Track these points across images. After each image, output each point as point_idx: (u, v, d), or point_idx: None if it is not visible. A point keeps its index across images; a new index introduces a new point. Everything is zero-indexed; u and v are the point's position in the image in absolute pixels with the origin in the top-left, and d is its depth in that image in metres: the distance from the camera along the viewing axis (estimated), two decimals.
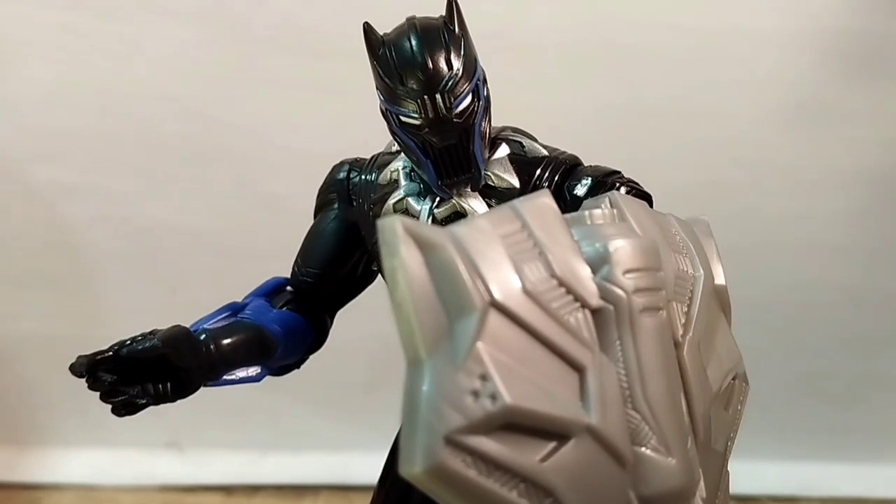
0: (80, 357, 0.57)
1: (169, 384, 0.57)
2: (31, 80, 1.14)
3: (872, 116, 1.10)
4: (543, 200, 0.46)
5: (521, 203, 0.45)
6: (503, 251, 0.43)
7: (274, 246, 1.22)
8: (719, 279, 0.54)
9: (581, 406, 0.43)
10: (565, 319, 0.44)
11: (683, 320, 0.49)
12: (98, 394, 0.58)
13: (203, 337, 0.57)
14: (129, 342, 0.56)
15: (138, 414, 1.31)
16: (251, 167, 1.18)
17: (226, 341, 0.58)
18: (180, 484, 1.20)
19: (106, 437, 1.23)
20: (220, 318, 0.61)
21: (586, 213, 0.48)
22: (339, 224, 0.62)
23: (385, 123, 0.58)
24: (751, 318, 1.21)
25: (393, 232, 0.41)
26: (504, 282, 0.43)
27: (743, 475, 1.23)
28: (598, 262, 0.46)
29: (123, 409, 0.56)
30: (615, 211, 0.49)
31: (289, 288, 0.64)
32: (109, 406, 0.57)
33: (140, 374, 0.57)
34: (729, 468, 0.58)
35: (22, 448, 1.22)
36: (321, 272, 0.63)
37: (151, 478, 1.20)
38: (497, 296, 0.42)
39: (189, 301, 1.24)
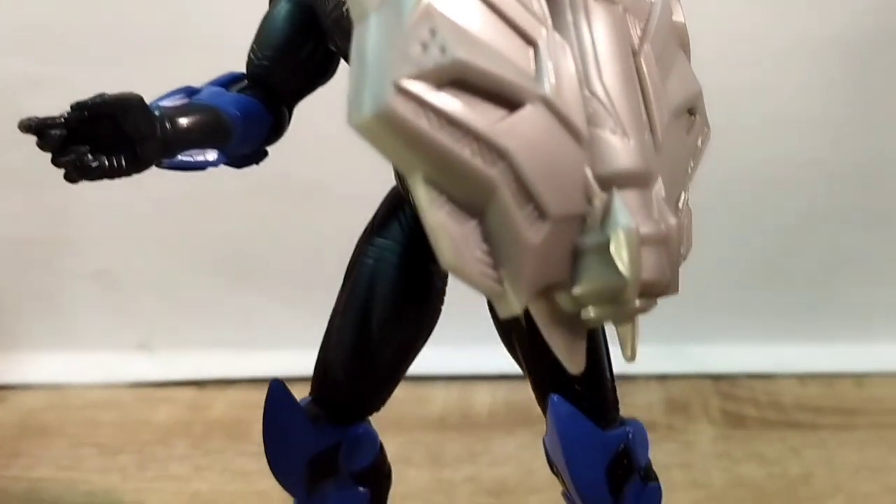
0: (29, 118, 0.55)
1: (123, 158, 0.55)
2: None
3: None
4: None
5: None
6: None
7: None
8: (678, 16, 0.53)
9: (535, 79, 0.42)
10: None
11: (640, 33, 0.48)
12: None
13: (158, 113, 0.56)
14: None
15: (107, 315, 1.29)
16: (222, 58, 1.16)
17: (181, 119, 0.57)
18: (152, 380, 1.19)
19: (75, 339, 1.22)
20: (174, 98, 0.60)
21: None
22: (294, 6, 0.61)
23: None
24: (720, 196, 1.22)
25: None
26: None
27: (719, 356, 1.24)
28: None
29: (76, 170, 0.54)
30: None
31: (245, 80, 0.63)
32: (62, 171, 0.55)
33: (93, 143, 0.55)
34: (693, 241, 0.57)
35: None
36: (276, 57, 0.61)
37: (122, 377, 1.19)
38: None
39: (156, 197, 1.23)
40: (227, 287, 1.22)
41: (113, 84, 1.16)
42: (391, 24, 0.40)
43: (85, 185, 1.20)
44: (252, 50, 0.63)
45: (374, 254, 0.64)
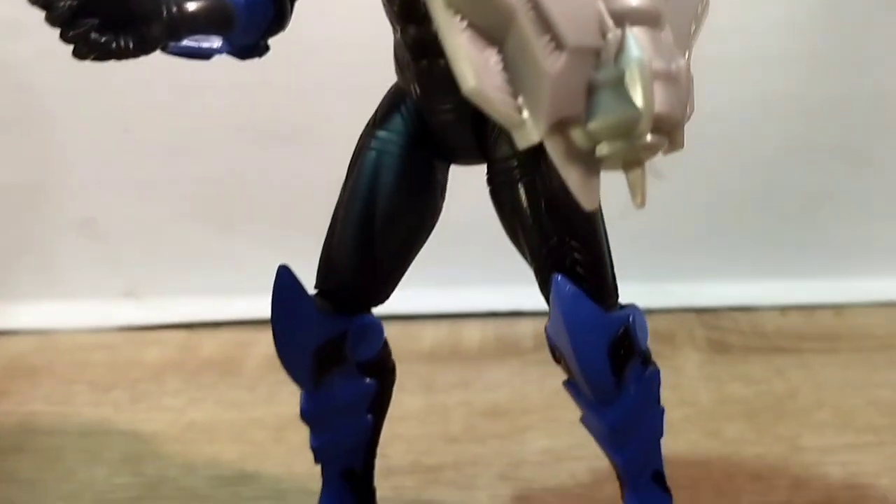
0: None
1: (130, 38, 0.56)
2: None
3: None
4: None
5: None
6: None
7: (232, 79, 1.22)
8: None
9: None
10: None
11: None
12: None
13: None
14: None
15: (93, 264, 1.29)
16: None
17: (187, 4, 0.57)
18: (140, 324, 1.19)
19: (61, 288, 1.22)
20: None
21: None
22: None
23: None
24: (700, 133, 1.23)
25: None
26: None
27: (701, 292, 1.26)
28: None
29: (85, 45, 0.54)
30: None
31: None
32: (71, 47, 0.55)
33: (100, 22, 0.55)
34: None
35: None
36: None
37: (110, 323, 1.19)
38: None
39: (142, 140, 1.23)
40: (213, 232, 1.22)
41: None
42: None
43: (72, 133, 1.21)
44: None
45: (377, 146, 0.65)
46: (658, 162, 1.40)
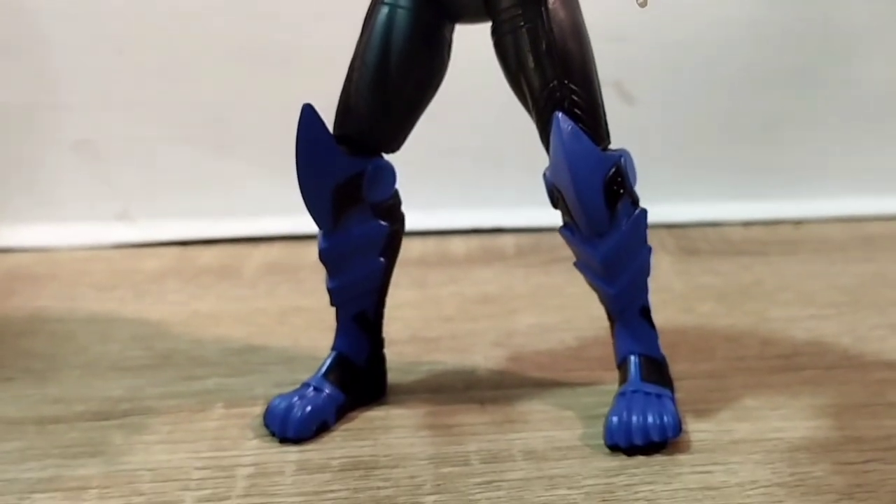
0: None
1: None
2: None
3: None
4: None
5: None
6: None
7: (225, 3, 1.26)
8: None
9: None
10: None
11: None
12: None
13: None
14: None
15: (85, 187, 1.32)
16: None
17: None
18: (135, 242, 1.22)
19: (54, 211, 1.25)
20: None
21: None
22: None
23: None
24: (668, 61, 1.32)
25: None
26: None
27: (671, 210, 1.33)
28: None
29: None
30: None
31: None
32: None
33: None
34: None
35: None
36: None
37: (105, 242, 1.22)
38: None
39: (135, 63, 1.27)
40: (205, 155, 1.26)
41: None
42: None
43: (66, 55, 1.23)
44: None
45: (389, 1, 0.71)
46: (628, 86, 1.49)
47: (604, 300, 0.75)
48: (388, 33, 0.70)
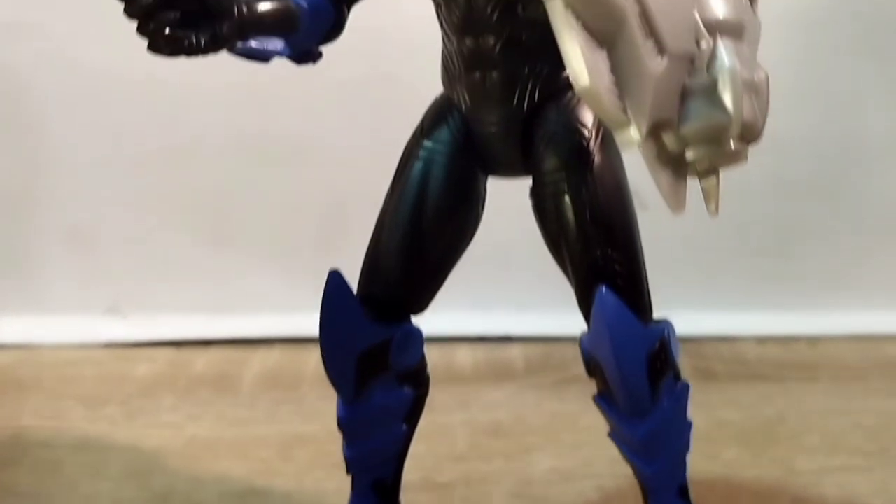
0: None
1: (202, 36, 0.57)
2: None
3: None
4: None
5: None
6: None
7: (226, 92, 1.22)
8: None
9: None
10: None
11: None
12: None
13: None
14: None
15: (74, 279, 1.26)
16: None
17: (257, 3, 0.59)
18: (126, 341, 1.16)
19: (43, 302, 1.19)
20: None
21: None
22: None
23: None
24: None
25: None
26: None
27: (681, 322, 1.29)
28: None
29: (161, 39, 0.55)
30: None
31: None
32: (146, 41, 0.55)
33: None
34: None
35: None
36: None
37: (95, 339, 1.16)
38: None
39: (134, 153, 1.22)
40: (202, 248, 1.21)
41: (94, 35, 1.15)
42: None
43: (65, 141, 1.18)
44: None
45: (424, 156, 0.66)
46: (643, 193, 1.44)
47: (639, 476, 0.70)
48: (423, 189, 0.65)
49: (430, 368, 1.14)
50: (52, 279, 1.19)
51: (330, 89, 1.17)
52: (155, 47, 0.55)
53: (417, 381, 0.70)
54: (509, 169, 0.68)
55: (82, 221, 1.19)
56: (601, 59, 0.44)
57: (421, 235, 0.66)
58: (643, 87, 0.44)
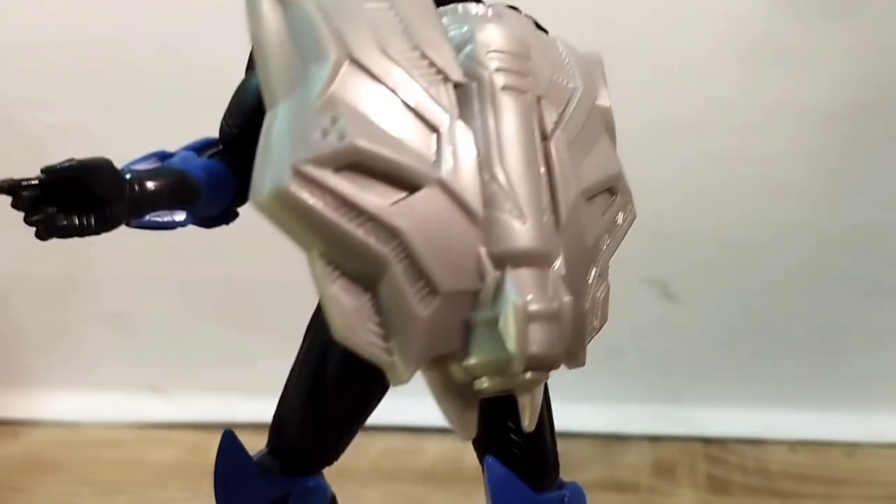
0: (4, 179, 0.59)
1: (93, 217, 0.60)
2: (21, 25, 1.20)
3: (824, 54, 1.10)
4: None
5: None
6: (367, 19, 0.46)
7: None
8: (603, 101, 0.56)
9: (434, 162, 0.45)
10: (425, 85, 0.46)
11: (555, 118, 0.51)
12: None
13: (128, 176, 0.60)
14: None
15: (122, 358, 1.34)
16: None
17: (150, 182, 0.61)
18: (161, 422, 1.23)
19: (89, 379, 1.27)
20: (147, 162, 0.64)
21: (460, 5, 0.51)
22: None
23: None
24: (709, 260, 1.23)
25: None
26: (365, 42, 0.45)
27: (710, 419, 1.24)
28: (463, 43, 0.48)
29: (45, 229, 0.58)
30: (490, 11, 0.51)
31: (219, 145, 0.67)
32: (33, 229, 0.59)
33: (63, 204, 0.59)
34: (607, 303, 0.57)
35: (4, 387, 1.26)
36: (245, 126, 0.65)
37: (131, 417, 1.23)
38: (356, 52, 0.45)
39: (173, 241, 1.28)
40: (235, 331, 1.26)
41: (135, 138, 1.22)
42: (296, 111, 0.43)
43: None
44: (224, 117, 0.67)
45: None
46: (671, 283, 1.38)
47: None
48: (327, 348, 0.66)
49: (434, 465, 1.15)
50: (97, 359, 1.27)
51: None
52: (39, 236, 0.59)
53: None
54: None
55: (125, 306, 1.26)
56: (363, 303, 0.44)
57: (323, 397, 0.66)
58: (409, 330, 0.44)
